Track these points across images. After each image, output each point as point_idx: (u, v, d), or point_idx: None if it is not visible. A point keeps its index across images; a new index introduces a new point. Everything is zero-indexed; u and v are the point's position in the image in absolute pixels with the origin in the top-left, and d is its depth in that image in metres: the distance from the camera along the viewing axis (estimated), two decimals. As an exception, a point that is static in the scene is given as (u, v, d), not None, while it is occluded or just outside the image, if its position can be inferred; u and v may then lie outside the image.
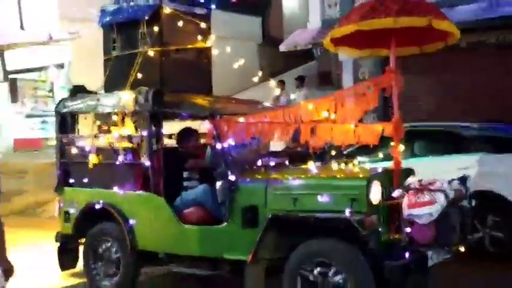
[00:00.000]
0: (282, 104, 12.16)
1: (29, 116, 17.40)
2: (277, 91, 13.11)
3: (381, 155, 7.16)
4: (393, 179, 5.32)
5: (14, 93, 16.99)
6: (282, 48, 14.34)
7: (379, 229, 4.98)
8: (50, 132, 17.28)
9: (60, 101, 6.98)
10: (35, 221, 10.91)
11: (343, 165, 5.97)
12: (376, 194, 5.04)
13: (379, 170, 5.57)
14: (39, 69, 16.94)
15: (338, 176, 5.52)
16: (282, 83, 13.15)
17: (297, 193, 5.26)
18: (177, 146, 6.69)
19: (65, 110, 6.76)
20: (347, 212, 4.88)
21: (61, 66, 16.30)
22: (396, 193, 5.09)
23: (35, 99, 17.52)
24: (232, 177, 5.53)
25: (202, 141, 7.13)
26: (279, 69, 17.71)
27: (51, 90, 17.40)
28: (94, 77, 14.93)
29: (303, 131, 5.63)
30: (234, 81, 14.95)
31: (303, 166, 5.95)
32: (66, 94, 16.11)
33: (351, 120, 5.80)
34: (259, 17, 20.06)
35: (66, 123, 6.82)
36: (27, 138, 17.56)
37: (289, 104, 12.08)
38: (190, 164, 6.30)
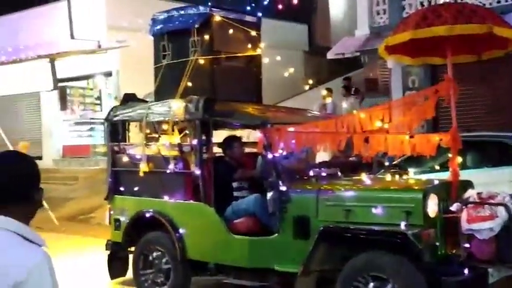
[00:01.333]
0: (329, 112, 12.02)
1: (77, 123, 17.79)
2: (324, 99, 12.98)
3: (434, 166, 6.96)
4: (451, 191, 5.15)
5: (64, 100, 17.38)
6: (330, 55, 14.21)
7: (436, 243, 4.83)
8: (97, 139, 17.64)
9: (111, 110, 7.05)
10: (84, 227, 11.05)
11: (397, 177, 5.83)
12: (433, 207, 4.89)
13: (436, 182, 5.40)
14: (88, 77, 17.30)
15: (393, 188, 5.39)
16: (329, 91, 13.02)
17: (350, 205, 5.15)
18: (223, 154, 6.66)
19: (115, 119, 6.82)
20: (402, 226, 4.75)
21: (109, 74, 16.57)
22: (454, 207, 4.92)
23: (83, 107, 17.91)
24: (283, 188, 5.46)
25: (252, 150, 7.09)
26: (325, 77, 17.58)
27: (98, 98, 17.75)
28: (141, 85, 15.13)
29: (356, 141, 5.52)
30: (280, 89, 14.90)
31: (356, 177, 5.83)
32: (113, 102, 16.48)
33: (406, 130, 5.65)
34: (306, 25, 19.97)
35: (117, 131, 6.88)
36: (75, 145, 17.95)
37: (337, 112, 11.95)
38: (239, 174, 6.26)
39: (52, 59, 15.53)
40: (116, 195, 6.75)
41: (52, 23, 16.28)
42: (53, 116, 17.50)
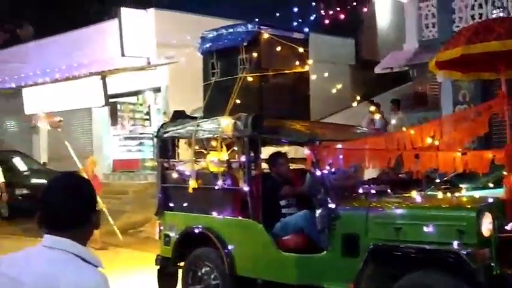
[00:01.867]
0: (377, 127, 11.88)
1: (127, 137, 18.15)
2: (371, 114, 12.85)
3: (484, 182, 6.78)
4: (505, 209, 5.00)
5: (114, 116, 17.81)
6: (378, 70, 14.09)
7: (491, 264, 4.70)
8: (146, 153, 17.96)
9: (160, 126, 7.17)
10: (133, 241, 11.23)
11: (448, 194, 5.71)
12: (487, 225, 4.76)
13: (490, 200, 5.26)
14: (138, 93, 17.66)
15: (444, 206, 5.27)
16: (377, 106, 12.89)
17: (400, 223, 5.07)
18: (269, 170, 6.66)
19: (165, 135, 6.93)
20: (455, 245, 4.64)
21: (158, 90, 16.87)
22: (510, 226, 4.77)
23: (133, 122, 18.28)
24: (331, 205, 5.42)
25: (299, 166, 7.08)
26: (372, 91, 17.42)
27: (148, 113, 18.09)
28: (189, 100, 15.34)
29: (406, 158, 5.44)
30: (326, 104, 14.81)
31: (406, 194, 5.74)
32: (162, 117, 16.77)
33: (458, 147, 5.54)
34: (352, 39, 19.88)
35: (167, 147, 6.98)
36: (125, 159, 18.31)
37: (385, 128, 11.81)
38: (286, 190, 6.25)
39: (103, 76, 15.95)
40: (166, 211, 6.83)
41: (104, 42, 16.72)
42: (104, 131, 17.91)
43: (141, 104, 18.12)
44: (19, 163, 15.97)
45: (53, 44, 18.25)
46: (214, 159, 6.46)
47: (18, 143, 19.58)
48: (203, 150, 6.82)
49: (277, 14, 11.12)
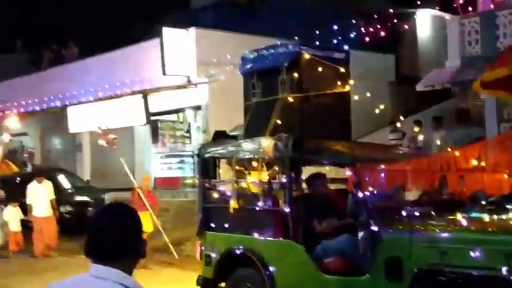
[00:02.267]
0: (419, 145, 11.70)
1: (167, 155, 18.35)
2: (413, 132, 12.67)
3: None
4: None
5: (155, 134, 18.05)
6: (419, 88, 13.87)
7: (541, 291, 4.53)
8: (187, 171, 18.11)
9: (201, 146, 7.23)
10: (174, 259, 11.25)
11: (495, 216, 5.55)
12: (538, 251, 4.60)
13: (540, 224, 5.09)
14: (178, 111, 17.87)
15: (492, 230, 5.13)
16: (418, 124, 12.70)
17: (446, 246, 4.95)
18: (308, 191, 6.61)
19: (206, 155, 6.98)
20: (504, 271, 4.50)
21: (198, 108, 17.02)
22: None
23: (173, 140, 18.48)
24: (374, 227, 5.34)
25: (340, 186, 7.01)
26: (412, 108, 17.17)
27: (188, 131, 18.26)
28: (229, 118, 15.42)
29: (451, 180, 5.33)
30: (366, 121, 14.71)
31: (451, 216, 5.60)
32: (202, 135, 16.91)
33: (504, 169, 5.40)
34: (392, 55, 19.69)
35: (208, 168, 7.02)
36: (166, 177, 18.49)
37: (427, 146, 11.61)
38: (328, 224, 6.12)
39: (145, 94, 16.18)
40: (207, 231, 6.85)
41: (145, 61, 16.99)
42: (145, 148, 18.15)
43: (181, 122, 18.31)
44: (63, 180, 16.29)
45: (96, 64, 18.65)
46: (255, 180, 6.45)
47: (62, 160, 20.05)
48: (244, 171, 6.83)
49: (317, 32, 11.13)
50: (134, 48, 17.64)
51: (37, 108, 18.85)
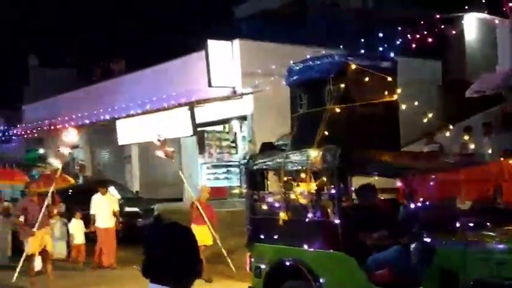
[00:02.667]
0: (470, 152, 11.42)
1: (214, 165, 18.47)
2: (463, 138, 12.38)
3: None
4: None
5: (202, 144, 18.20)
6: (469, 93, 13.55)
7: None
8: (233, 181, 18.19)
9: (249, 158, 7.26)
10: (223, 270, 11.30)
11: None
12: None
13: None
14: (224, 121, 18.00)
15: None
16: (468, 130, 12.41)
17: (503, 258, 4.81)
18: (358, 202, 6.54)
19: (254, 167, 6.99)
20: None
21: (243, 118, 17.11)
22: None
23: (219, 150, 18.60)
24: (427, 239, 5.24)
25: (390, 196, 6.92)
26: (461, 114, 16.79)
27: (234, 141, 18.37)
28: (274, 128, 15.40)
29: (506, 189, 5.18)
30: (413, 128, 14.47)
31: (507, 227, 5.45)
32: (248, 145, 16.97)
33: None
34: (439, 60, 19.34)
35: (256, 179, 7.03)
36: (213, 187, 18.57)
37: (478, 153, 11.32)
38: (380, 235, 6.05)
39: (191, 106, 16.40)
40: (256, 243, 6.86)
41: (191, 73, 17.21)
42: (192, 159, 18.32)
43: (227, 132, 18.43)
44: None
45: (143, 77, 19.01)
46: (304, 191, 6.43)
47: (112, 172, 20.46)
48: (292, 182, 6.81)
49: (363, 40, 11.05)
50: (180, 61, 17.91)
51: (87, 121, 19.36)
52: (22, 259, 10.52)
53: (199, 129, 17.11)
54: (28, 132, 21.66)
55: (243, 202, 16.58)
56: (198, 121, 16.54)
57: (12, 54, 24.94)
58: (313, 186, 6.47)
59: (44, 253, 10.32)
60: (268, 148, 7.16)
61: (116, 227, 12.65)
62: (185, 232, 2.20)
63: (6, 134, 23.02)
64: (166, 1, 24.99)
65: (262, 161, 6.89)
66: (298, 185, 6.62)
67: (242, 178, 17.80)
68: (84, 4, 25.17)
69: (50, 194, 10.87)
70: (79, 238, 12.76)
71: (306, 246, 6.20)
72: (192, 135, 17.03)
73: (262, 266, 6.71)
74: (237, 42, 16.45)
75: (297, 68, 6.97)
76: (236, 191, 17.88)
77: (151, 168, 19.62)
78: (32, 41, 25.35)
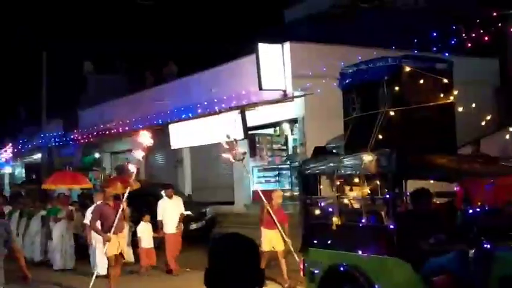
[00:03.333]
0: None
1: (265, 168, 18.54)
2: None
3: None
4: None
5: (253, 147, 18.29)
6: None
7: None
8: (284, 184, 18.20)
9: (302, 163, 7.28)
10: (276, 274, 11.26)
11: None
12: None
13: None
14: (275, 124, 18.02)
15: None
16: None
17: None
18: (412, 207, 6.45)
19: (307, 172, 7.00)
20: None
21: (294, 121, 17.09)
22: None
23: (270, 153, 18.65)
24: (487, 245, 5.13)
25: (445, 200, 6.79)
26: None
27: (285, 144, 18.38)
28: (326, 130, 15.28)
29: None
30: (469, 130, 14.13)
31: None
32: (299, 148, 16.96)
33: None
34: (496, 59, 18.80)
35: (309, 184, 7.04)
36: (264, 190, 18.64)
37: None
38: (436, 240, 5.95)
39: (242, 110, 16.49)
40: (310, 248, 6.87)
41: (241, 76, 17.31)
42: (243, 162, 18.40)
43: (278, 135, 18.45)
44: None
45: (194, 81, 19.25)
46: (358, 196, 6.40)
47: (164, 175, 20.78)
48: (345, 186, 6.79)
49: (415, 40, 10.87)
50: (231, 64, 18.04)
51: (140, 126, 19.73)
52: (96, 265, 10.52)
53: (250, 132, 17.19)
54: (84, 137, 22.27)
55: (295, 205, 16.75)
56: (249, 124, 16.62)
57: (68, 61, 25.72)
58: (366, 190, 6.44)
59: (119, 258, 10.14)
60: (320, 152, 7.16)
61: (179, 228, 12.28)
62: (249, 243, 2.23)
63: (64, 139, 23.74)
64: (216, 6, 25.28)
65: (315, 165, 6.90)
66: (351, 190, 6.59)
67: (293, 181, 17.83)
68: (135, 10, 25.73)
69: (125, 198, 10.48)
70: (148, 242, 12.37)
71: (360, 252, 6.17)
72: (243, 139, 17.11)
73: (316, 271, 6.72)
74: (287, 45, 16.44)
75: (350, 71, 6.95)
76: (287, 194, 17.87)
77: (202, 172, 19.86)
78: (87, 47, 26.09)
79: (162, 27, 25.85)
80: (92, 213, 10.89)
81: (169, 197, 12.49)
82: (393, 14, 18.80)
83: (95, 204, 11.49)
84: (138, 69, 25.43)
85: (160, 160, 22.18)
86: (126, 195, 10.50)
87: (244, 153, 11.57)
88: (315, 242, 6.82)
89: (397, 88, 6.35)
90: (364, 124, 6.60)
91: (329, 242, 6.59)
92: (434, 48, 11.79)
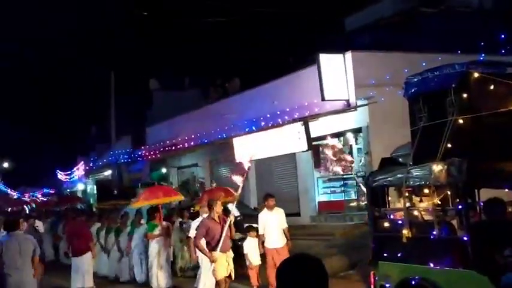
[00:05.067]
0: None
1: (330, 179, 18.34)
2: None
3: None
4: None
5: (317, 158, 18.14)
6: None
7: None
8: (350, 194, 17.95)
9: (369, 175, 7.14)
10: (346, 285, 11.11)
11: None
12: None
13: None
14: (338, 134, 17.82)
15: None
16: None
17: None
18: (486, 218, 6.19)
19: (375, 184, 6.87)
20: None
21: (358, 130, 16.86)
22: None
23: (335, 163, 18.41)
24: None
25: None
26: None
27: (350, 154, 18.11)
28: (391, 139, 14.98)
29: None
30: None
31: None
32: (364, 157, 16.69)
33: None
34: None
35: (377, 196, 6.90)
36: (330, 201, 18.47)
37: None
38: None
39: (305, 121, 16.41)
40: (380, 261, 6.72)
41: (303, 88, 17.25)
42: (308, 173, 18.33)
43: (342, 145, 18.22)
44: (233, 208, 16.94)
45: (257, 94, 19.34)
46: (428, 207, 6.22)
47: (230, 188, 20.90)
48: (414, 198, 6.62)
49: (482, 44, 10.54)
50: (292, 76, 18.04)
51: (205, 140, 20.01)
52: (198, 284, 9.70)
53: (314, 143, 17.07)
54: (151, 153, 22.75)
55: (361, 216, 16.47)
56: (312, 135, 16.52)
57: (134, 79, 26.50)
58: (437, 201, 6.25)
59: (227, 281, 9.23)
60: (387, 163, 7.01)
61: (287, 246, 10.88)
62: (317, 262, 2.24)
63: (132, 155, 24.34)
64: (276, 18, 25.39)
65: (383, 177, 6.75)
66: (421, 201, 6.41)
67: (359, 191, 17.55)
68: (196, 27, 26.23)
69: (232, 212, 9.63)
70: (256, 258, 11.13)
71: (432, 264, 5.98)
72: (307, 150, 17.02)
73: (387, 285, 6.56)
74: (349, 54, 16.28)
75: (415, 80, 6.78)
76: (353, 204, 17.63)
77: (267, 184, 19.87)
78: (152, 66, 26.81)
79: (225, 42, 26.17)
80: (196, 229, 9.86)
81: (270, 208, 11.22)
82: (457, 17, 18.28)
83: (197, 219, 10.80)
84: (202, 84, 25.82)
85: (226, 173, 22.38)
86: (233, 208, 9.65)
87: (352, 162, 9.79)
88: (385, 255, 6.66)
89: (465, 95, 6.14)
90: (433, 133, 6.41)
91: (399, 254, 6.43)
92: (503, 51, 11.36)
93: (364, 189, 8.03)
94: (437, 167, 6.05)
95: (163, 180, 24.22)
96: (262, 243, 10.94)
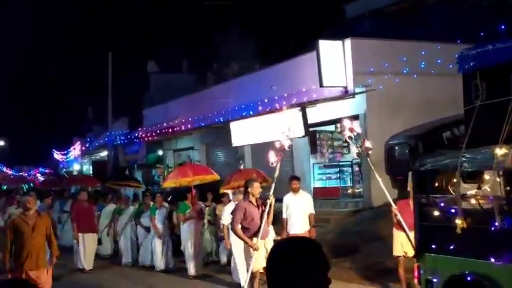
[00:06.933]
0: None
1: (326, 165, 17.29)
2: None
3: None
4: None
5: (314, 145, 17.07)
6: None
7: None
8: (346, 181, 16.91)
9: (416, 158, 5.98)
10: (340, 272, 9.82)
11: None
12: None
13: None
14: (335, 121, 16.75)
15: None
16: None
17: None
18: None
19: (422, 168, 5.73)
20: None
21: (356, 117, 15.81)
22: None
23: (331, 150, 17.37)
24: None
25: None
26: None
27: (346, 141, 17.06)
28: (387, 127, 14.00)
29: None
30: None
31: None
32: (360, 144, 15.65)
33: None
34: None
35: (425, 181, 5.77)
36: (325, 187, 17.40)
37: None
38: None
39: (303, 107, 15.33)
40: (426, 253, 5.60)
41: (301, 74, 16.18)
42: (304, 159, 17.27)
43: (339, 132, 17.15)
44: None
45: (255, 79, 18.23)
46: (488, 195, 5.11)
47: (226, 172, 19.75)
48: (465, 185, 5.50)
49: (482, 34, 9.47)
50: (291, 62, 16.93)
51: (202, 124, 18.82)
52: (246, 279, 7.70)
53: (310, 129, 16.00)
54: (148, 134, 21.49)
55: (356, 202, 15.46)
56: (309, 121, 15.44)
57: (133, 61, 25.13)
58: (497, 188, 5.14)
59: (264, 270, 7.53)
60: (435, 146, 5.88)
61: (310, 233, 9.63)
62: (315, 245, 1.97)
63: (129, 137, 23.01)
64: (276, 4, 24.05)
65: (433, 160, 5.62)
66: (479, 188, 5.30)
67: (354, 178, 16.53)
68: (196, 10, 24.89)
69: (271, 196, 7.81)
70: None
71: (492, 260, 4.89)
72: (304, 136, 15.92)
73: (435, 280, 5.47)
74: (348, 41, 15.18)
75: (472, 53, 5.63)
76: (349, 191, 16.63)
77: (263, 169, 18.74)
78: (150, 47, 25.46)
79: (224, 27, 24.83)
80: (232, 213, 8.33)
81: (295, 191, 9.95)
82: (457, 6, 17.22)
83: (231, 202, 9.66)
84: (200, 68, 24.57)
85: (222, 157, 21.19)
86: (272, 191, 7.79)
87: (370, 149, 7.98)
88: (433, 247, 5.55)
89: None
90: (492, 113, 5.31)
91: (451, 247, 5.32)
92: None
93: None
94: (500, 151, 4.94)
95: (160, 163, 22.94)
96: (284, 228, 9.68)
